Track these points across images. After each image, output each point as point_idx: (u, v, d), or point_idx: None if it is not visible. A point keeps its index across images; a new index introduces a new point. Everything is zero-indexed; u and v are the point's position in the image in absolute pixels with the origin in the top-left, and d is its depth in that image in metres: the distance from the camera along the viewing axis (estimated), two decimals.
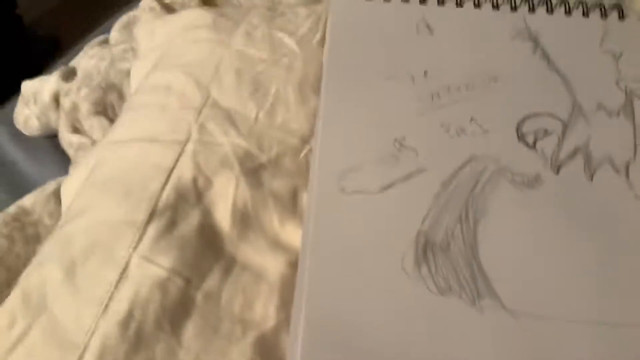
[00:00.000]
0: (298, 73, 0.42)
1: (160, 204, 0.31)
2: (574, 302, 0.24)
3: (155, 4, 0.65)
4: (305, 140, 0.36)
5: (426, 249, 0.25)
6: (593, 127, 0.34)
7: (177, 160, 0.34)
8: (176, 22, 0.53)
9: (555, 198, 0.29)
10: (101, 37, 0.64)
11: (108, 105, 0.53)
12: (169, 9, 0.61)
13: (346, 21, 0.43)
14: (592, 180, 0.30)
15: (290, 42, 0.46)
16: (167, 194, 0.32)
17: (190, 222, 0.30)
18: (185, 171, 0.33)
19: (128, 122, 0.40)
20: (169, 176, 0.33)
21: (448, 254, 0.25)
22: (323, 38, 0.45)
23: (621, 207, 0.29)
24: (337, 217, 0.27)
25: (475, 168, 0.30)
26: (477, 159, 0.31)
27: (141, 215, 0.30)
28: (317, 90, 0.40)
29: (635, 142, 0.33)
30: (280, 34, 0.47)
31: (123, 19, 0.67)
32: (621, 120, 0.35)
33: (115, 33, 0.65)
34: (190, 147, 0.35)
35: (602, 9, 0.47)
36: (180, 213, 0.31)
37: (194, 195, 0.32)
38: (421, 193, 0.28)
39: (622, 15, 0.46)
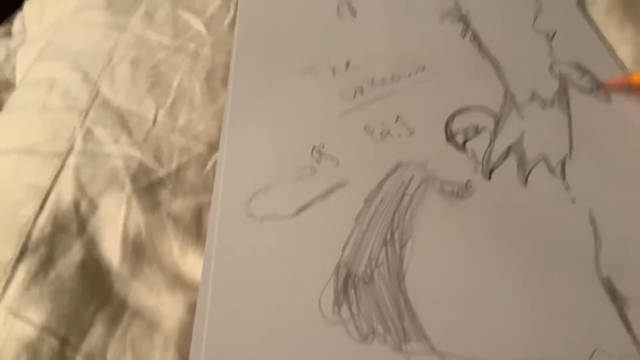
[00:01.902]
0: (206, 62, 0.36)
1: (34, 237, 0.26)
2: (507, 342, 0.22)
3: None
4: (213, 146, 0.31)
5: (347, 284, 0.22)
6: (526, 121, 0.31)
7: (55, 178, 0.28)
8: (67, 0, 0.46)
9: (487, 210, 0.26)
10: (3, 28, 0.56)
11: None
12: None
13: (257, 2, 0.38)
14: (526, 184, 0.28)
15: (197, 24, 0.40)
16: (42, 223, 0.26)
17: (70, 258, 0.25)
18: (65, 192, 0.28)
19: (5, 128, 0.34)
20: (45, 199, 0.27)
21: (372, 288, 0.22)
22: (235, 19, 0.40)
23: (558, 214, 0.26)
24: (244, 248, 0.23)
25: (401, 178, 0.27)
26: (403, 166, 0.27)
27: (9, 253, 0.25)
28: (227, 83, 0.35)
29: (571, 137, 0.31)
30: (186, 15, 0.41)
31: (27, 4, 0.58)
32: (555, 111, 0.33)
33: (18, 22, 0.56)
34: (72, 160, 0.29)
35: None
36: (58, 247, 0.26)
37: (75, 223, 0.27)
38: (342, 213, 0.25)
39: None
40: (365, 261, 0.23)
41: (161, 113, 0.33)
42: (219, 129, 0.32)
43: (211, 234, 0.24)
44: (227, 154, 0.27)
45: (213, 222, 0.24)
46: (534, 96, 0.33)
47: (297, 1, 0.38)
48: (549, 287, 0.23)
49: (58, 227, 0.26)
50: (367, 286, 0.22)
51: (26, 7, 0.52)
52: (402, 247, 0.24)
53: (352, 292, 0.22)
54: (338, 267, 0.22)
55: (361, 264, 0.23)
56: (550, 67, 0.36)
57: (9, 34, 0.56)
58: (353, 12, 0.38)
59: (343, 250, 0.23)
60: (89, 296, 0.24)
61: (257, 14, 0.36)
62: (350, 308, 0.21)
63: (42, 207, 0.27)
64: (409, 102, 0.31)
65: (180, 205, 0.28)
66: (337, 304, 0.21)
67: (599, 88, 0.34)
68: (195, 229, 0.27)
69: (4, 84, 0.47)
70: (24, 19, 0.52)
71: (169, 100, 0.34)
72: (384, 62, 0.34)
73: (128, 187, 0.28)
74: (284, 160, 0.27)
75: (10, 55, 0.50)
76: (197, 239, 0.27)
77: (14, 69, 0.48)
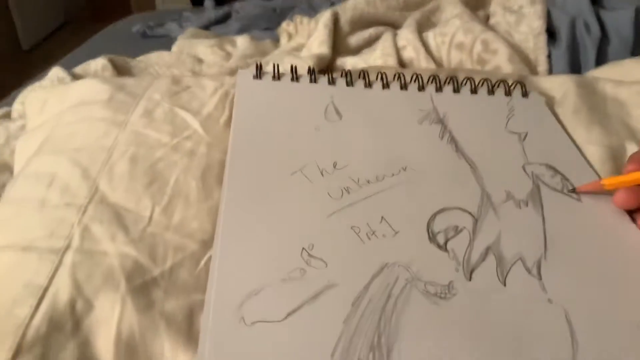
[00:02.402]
0: (201, 160, 0.38)
1: (28, 337, 0.26)
2: None
3: (65, 75, 0.60)
4: (206, 243, 0.32)
5: None
6: (503, 221, 0.34)
7: (52, 276, 0.29)
8: (70, 94, 0.49)
9: (469, 311, 0.27)
10: (2, 110, 0.58)
11: (1, 188, 0.47)
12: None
13: (251, 105, 0.41)
14: (505, 284, 0.29)
15: (194, 122, 0.42)
16: (38, 322, 0.27)
17: (64, 359, 0.26)
18: (61, 291, 0.28)
19: (3, 222, 0.35)
20: (41, 298, 0.28)
21: None
22: (230, 118, 0.42)
23: (535, 315, 0.28)
24: (235, 353, 0.24)
25: (386, 279, 0.28)
26: (388, 267, 0.29)
27: (2, 355, 0.25)
28: (222, 181, 0.37)
29: (545, 236, 0.33)
30: (183, 113, 0.44)
31: (28, 89, 0.61)
32: (530, 210, 0.35)
33: (18, 105, 0.59)
34: (69, 257, 0.30)
35: (506, 86, 0.48)
36: (52, 348, 0.26)
37: (70, 322, 0.27)
38: (330, 317, 0.26)
39: (525, 92, 0.48)
40: None
41: (157, 210, 0.34)
42: (213, 226, 0.33)
43: (203, 338, 0.25)
44: (220, 255, 0.28)
45: (205, 325, 0.25)
46: (509, 196, 0.36)
47: (288, 104, 0.41)
48: None
49: (53, 327, 0.27)
50: None
51: (28, 96, 0.54)
52: (389, 352, 0.25)
53: None
54: None
55: None
56: (524, 167, 0.39)
57: (8, 116, 0.58)
58: (340, 115, 0.41)
59: (332, 356, 0.24)
60: None
61: (251, 116, 0.39)
62: None
63: (38, 306, 0.27)
64: (392, 202, 0.33)
65: (173, 305, 0.28)
66: None
67: (571, 191, 0.37)
68: (187, 329, 0.28)
69: (3, 166, 0.48)
70: (25, 107, 0.54)
71: (165, 198, 0.35)
72: (368, 162, 0.36)
73: (123, 287, 0.29)
74: (275, 262, 0.28)
75: (10, 138, 0.52)
76: (188, 339, 0.27)
77: (12, 152, 0.49)
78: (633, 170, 0.35)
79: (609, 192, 0.36)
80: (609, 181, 0.35)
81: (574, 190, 0.37)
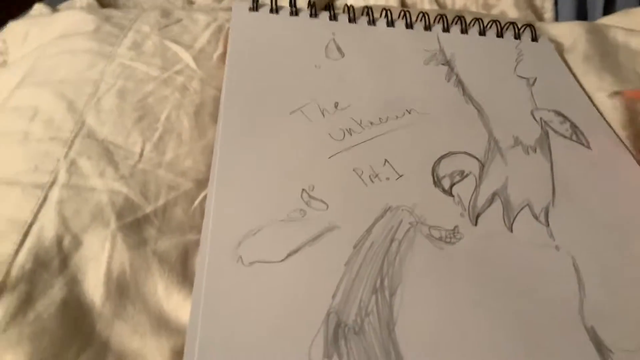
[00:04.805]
0: (194, 96, 0.36)
1: (13, 274, 0.25)
2: None
3: (47, 10, 0.56)
4: (201, 183, 0.31)
5: (337, 334, 0.22)
6: (510, 166, 0.32)
7: (37, 212, 0.27)
8: (53, 26, 0.45)
9: (474, 256, 0.26)
10: None
11: None
12: None
13: (248, 39, 0.38)
14: (511, 230, 0.28)
15: (186, 57, 0.40)
16: (23, 259, 0.25)
17: (51, 297, 0.24)
18: (47, 227, 0.27)
19: None
20: (26, 234, 0.26)
21: (362, 338, 0.22)
22: (224, 54, 0.40)
23: (543, 262, 0.27)
24: (233, 294, 0.23)
25: (390, 222, 0.27)
26: (391, 211, 0.28)
27: None
28: (216, 119, 0.35)
29: (553, 183, 0.32)
30: (174, 46, 0.41)
31: (9, 24, 0.57)
32: (538, 157, 0.33)
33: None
34: (55, 193, 0.28)
35: (516, 29, 0.46)
36: (38, 285, 0.25)
37: (57, 260, 0.26)
38: (331, 259, 0.24)
39: (535, 37, 0.46)
40: (356, 310, 0.23)
41: (148, 147, 0.32)
42: (207, 165, 0.32)
43: (199, 278, 0.23)
44: (216, 195, 0.27)
45: (202, 265, 0.24)
46: (516, 142, 0.34)
47: (287, 40, 0.39)
48: (535, 336, 0.23)
49: (39, 264, 0.25)
50: (358, 336, 0.22)
51: (8, 28, 0.51)
52: (391, 295, 0.24)
53: (342, 343, 0.22)
54: (328, 315, 0.22)
55: (351, 313, 0.23)
56: (532, 113, 0.37)
57: None
58: (342, 53, 0.39)
59: (333, 298, 0.23)
60: (70, 338, 0.23)
61: (248, 51, 0.37)
62: (340, 359, 0.21)
63: (22, 242, 0.26)
64: (396, 145, 0.32)
65: (166, 243, 0.27)
66: (328, 355, 0.21)
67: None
68: (181, 269, 0.26)
69: None
70: (7, 40, 0.51)
71: (157, 135, 0.33)
72: (371, 104, 0.35)
73: (113, 224, 0.27)
74: (273, 202, 0.27)
75: None
76: (182, 279, 0.26)
77: None
78: None
79: None
80: None
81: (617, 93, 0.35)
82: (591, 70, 0.44)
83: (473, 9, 0.57)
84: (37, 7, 0.57)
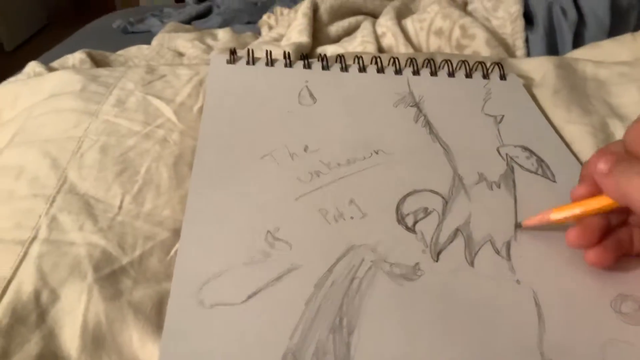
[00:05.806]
0: (174, 148, 0.38)
1: None
2: None
3: (42, 70, 0.59)
4: (178, 232, 0.31)
5: None
6: (474, 202, 0.33)
7: (17, 268, 0.29)
8: (43, 87, 0.48)
9: (435, 292, 0.27)
10: None
11: None
12: None
13: (224, 90, 0.40)
14: (472, 265, 0.29)
15: (167, 110, 0.42)
16: (0, 314, 0.26)
17: (27, 351, 0.25)
18: (26, 282, 0.28)
19: None
20: (5, 290, 0.28)
21: None
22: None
23: (503, 296, 0.27)
24: (192, 336, 0.23)
25: (352, 261, 0.28)
26: (354, 249, 0.29)
27: None
28: None
29: (516, 218, 0.32)
30: (156, 101, 0.43)
31: (2, 84, 0.60)
32: (502, 192, 0.34)
33: None
34: (35, 248, 0.30)
35: (484, 68, 0.47)
36: (15, 340, 0.26)
37: (35, 314, 0.27)
38: (292, 299, 0.25)
39: (503, 74, 0.47)
40: (312, 350, 0.23)
41: (127, 199, 0.34)
42: None
43: (165, 324, 0.24)
44: (182, 239, 0.28)
45: (168, 312, 0.25)
46: (481, 178, 0.35)
47: (261, 89, 0.41)
48: None
49: (16, 319, 0.26)
50: None
51: (0, 90, 0.53)
52: (349, 333, 0.24)
53: None
54: (285, 356, 0.23)
55: (308, 353, 0.23)
56: (498, 150, 0.38)
57: None
58: (314, 99, 0.40)
59: (290, 338, 0.24)
60: None
61: (223, 101, 0.39)
62: None
63: (0, 298, 0.27)
64: (362, 185, 0.33)
65: (141, 293, 0.28)
66: None
67: (517, 226, 0.32)
68: (156, 318, 0.27)
69: None
70: None
71: (136, 187, 0.35)
72: (340, 146, 0.36)
73: (90, 276, 0.28)
74: (238, 245, 0.28)
75: None
76: (157, 328, 0.27)
77: None
78: (585, 194, 0.29)
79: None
80: (557, 213, 0.30)
81: (519, 226, 0.32)
82: (560, 104, 0.45)
83: (447, 50, 0.59)
84: (31, 65, 0.60)
